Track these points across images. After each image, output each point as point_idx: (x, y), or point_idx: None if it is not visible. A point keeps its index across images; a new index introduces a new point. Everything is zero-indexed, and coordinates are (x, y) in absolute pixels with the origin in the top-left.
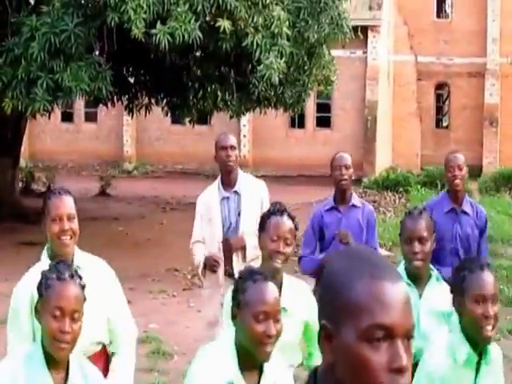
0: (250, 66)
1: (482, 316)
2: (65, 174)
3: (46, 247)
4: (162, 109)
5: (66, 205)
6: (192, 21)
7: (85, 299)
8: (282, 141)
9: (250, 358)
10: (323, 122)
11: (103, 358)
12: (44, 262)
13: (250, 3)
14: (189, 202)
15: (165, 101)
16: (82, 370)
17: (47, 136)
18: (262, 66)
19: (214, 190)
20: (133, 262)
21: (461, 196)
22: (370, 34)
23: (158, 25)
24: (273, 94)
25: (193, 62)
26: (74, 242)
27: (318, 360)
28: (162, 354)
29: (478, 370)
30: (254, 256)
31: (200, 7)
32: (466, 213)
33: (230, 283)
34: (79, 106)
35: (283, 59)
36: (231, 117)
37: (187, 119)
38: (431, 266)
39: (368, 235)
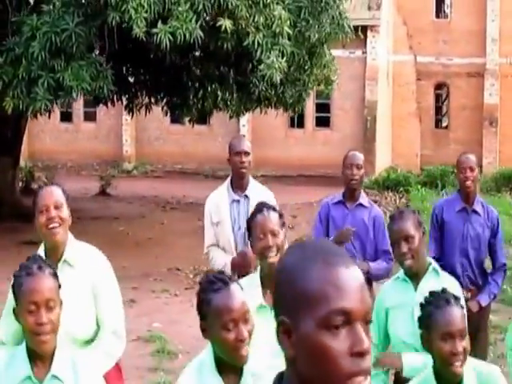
0: (251, 65)
1: (450, 353)
2: (64, 174)
3: (41, 244)
4: (162, 108)
5: (52, 194)
6: (193, 20)
7: (59, 286)
8: (281, 141)
9: (228, 363)
10: (323, 122)
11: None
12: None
13: (250, 2)
14: (189, 201)
15: (164, 100)
16: (72, 363)
17: (46, 136)
18: (263, 65)
19: (223, 191)
20: (134, 261)
21: (472, 196)
22: (369, 33)
23: (159, 24)
24: (273, 93)
25: (193, 62)
26: (64, 230)
27: None
28: (167, 353)
29: None
30: None
31: (201, 6)
32: (476, 212)
33: None
34: (78, 105)
35: (284, 58)
36: (231, 117)
37: (187, 119)
38: (429, 259)
39: (378, 238)
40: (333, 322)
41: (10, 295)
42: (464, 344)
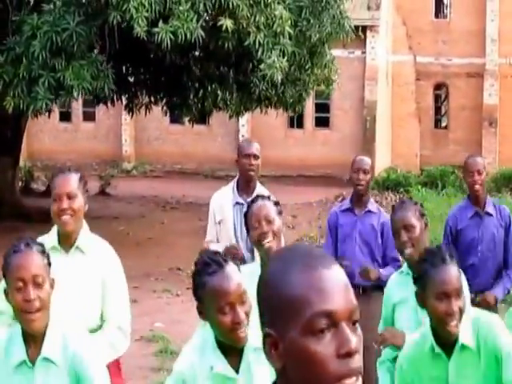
0: (251, 65)
1: (445, 313)
2: None
3: (54, 228)
4: (162, 108)
5: (67, 184)
6: (194, 19)
7: (49, 264)
8: (280, 141)
9: (228, 344)
10: (322, 122)
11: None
12: (49, 235)
13: (251, 2)
14: (188, 201)
15: (164, 100)
16: (63, 343)
17: (45, 135)
18: (264, 65)
19: (228, 192)
20: (135, 261)
21: (482, 199)
22: (368, 34)
23: (160, 23)
24: (274, 93)
25: (193, 62)
26: (76, 220)
27: None
28: (170, 353)
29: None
30: None
31: (202, 6)
32: (489, 214)
33: None
34: (77, 105)
35: (285, 58)
36: (231, 116)
37: (186, 119)
38: None
39: (387, 244)
40: (317, 325)
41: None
42: (460, 303)
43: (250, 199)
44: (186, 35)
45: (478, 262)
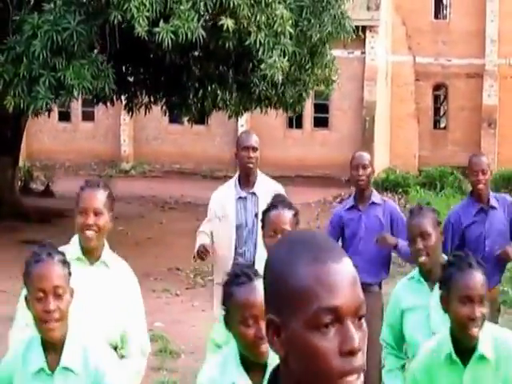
0: (251, 65)
1: (467, 317)
2: (62, 174)
3: (75, 238)
4: (161, 108)
5: (95, 199)
6: (195, 19)
7: (69, 274)
8: (279, 141)
9: (251, 360)
10: (321, 122)
11: None
12: (71, 245)
13: (252, 2)
14: (187, 201)
15: (164, 100)
16: (84, 352)
17: (44, 135)
18: (265, 64)
19: (229, 188)
20: (134, 261)
21: (485, 197)
22: (368, 34)
23: (161, 23)
24: (274, 93)
25: (193, 61)
26: (99, 237)
27: None
28: (170, 352)
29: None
30: None
31: (203, 5)
32: (494, 208)
33: None
34: (76, 105)
35: (286, 58)
36: (230, 116)
37: (185, 119)
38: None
39: (399, 229)
40: (321, 320)
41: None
42: (482, 310)
43: (251, 191)
44: (186, 35)
45: (486, 257)
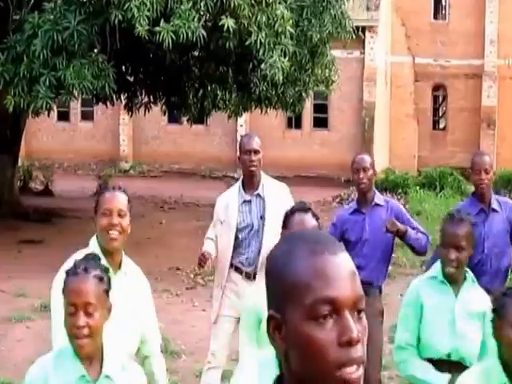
0: (251, 65)
1: None
2: (61, 173)
3: (94, 235)
4: (161, 108)
5: (118, 200)
6: (195, 19)
7: (106, 290)
8: (278, 141)
9: None
10: (320, 122)
11: None
12: (90, 250)
13: (253, 1)
14: (186, 201)
15: (163, 100)
16: (121, 365)
17: (43, 135)
18: (266, 64)
19: (234, 192)
20: (134, 260)
21: (488, 196)
22: (367, 34)
23: (162, 23)
24: (274, 93)
25: (193, 61)
26: (123, 239)
27: None
28: (170, 353)
29: None
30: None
31: (203, 5)
32: (495, 211)
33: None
34: (75, 104)
35: (286, 58)
36: (229, 117)
37: (185, 118)
38: (466, 269)
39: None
40: (319, 311)
41: (53, 296)
42: None
43: (256, 193)
44: (187, 34)
45: (485, 259)
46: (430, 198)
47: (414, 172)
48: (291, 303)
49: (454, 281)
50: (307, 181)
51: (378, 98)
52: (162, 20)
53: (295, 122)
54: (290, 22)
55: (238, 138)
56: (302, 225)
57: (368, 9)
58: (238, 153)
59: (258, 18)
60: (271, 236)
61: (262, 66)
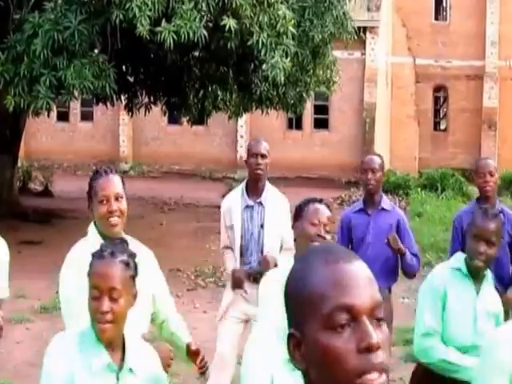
0: (253, 65)
1: None
2: (60, 174)
3: (92, 223)
4: (161, 108)
5: (113, 185)
6: (197, 19)
7: (132, 276)
8: (279, 142)
9: None
10: (321, 123)
11: None
12: (90, 238)
13: (255, 2)
14: (186, 202)
15: (164, 100)
16: (138, 351)
17: (43, 135)
18: (267, 65)
19: (237, 196)
20: None
21: (492, 202)
22: (368, 35)
23: (163, 23)
24: (275, 94)
25: (193, 62)
26: (123, 222)
27: None
28: None
29: None
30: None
31: (205, 5)
32: None
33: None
34: (75, 105)
35: (288, 59)
36: (230, 117)
37: (185, 119)
38: None
39: (405, 241)
40: (336, 320)
41: (63, 285)
42: None
43: (258, 200)
44: (188, 35)
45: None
46: (431, 199)
47: (414, 173)
48: (309, 316)
49: (477, 276)
50: (308, 182)
51: (379, 99)
52: (164, 20)
53: (296, 123)
54: (292, 22)
55: (239, 139)
56: (316, 213)
57: (369, 9)
58: (246, 156)
59: (260, 18)
60: (271, 246)
61: (264, 66)
